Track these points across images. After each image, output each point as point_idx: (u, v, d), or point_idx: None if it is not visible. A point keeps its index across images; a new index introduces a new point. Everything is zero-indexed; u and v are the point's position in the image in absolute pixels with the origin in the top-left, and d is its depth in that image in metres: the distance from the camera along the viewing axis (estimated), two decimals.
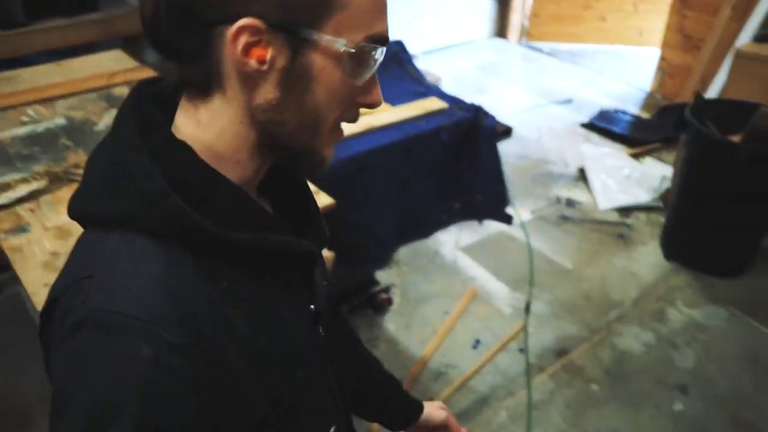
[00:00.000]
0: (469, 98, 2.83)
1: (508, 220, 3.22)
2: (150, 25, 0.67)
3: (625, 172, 4.10)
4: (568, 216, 3.83)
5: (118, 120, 0.71)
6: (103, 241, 0.66)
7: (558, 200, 3.94)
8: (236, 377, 0.66)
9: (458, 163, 2.54)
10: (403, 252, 3.36)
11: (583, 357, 2.84)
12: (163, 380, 0.60)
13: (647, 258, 3.50)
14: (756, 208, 3.24)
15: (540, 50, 6.10)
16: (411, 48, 3.44)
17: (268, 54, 0.65)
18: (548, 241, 3.60)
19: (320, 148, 0.74)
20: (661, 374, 2.80)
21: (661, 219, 3.74)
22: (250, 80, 0.67)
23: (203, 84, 0.69)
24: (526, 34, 6.17)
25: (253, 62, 0.65)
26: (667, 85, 5.01)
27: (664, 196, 3.85)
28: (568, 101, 5.06)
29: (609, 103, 4.99)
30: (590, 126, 4.67)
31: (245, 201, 0.71)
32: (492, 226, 3.61)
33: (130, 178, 0.65)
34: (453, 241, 3.53)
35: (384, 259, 2.78)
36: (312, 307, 0.82)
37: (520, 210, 3.84)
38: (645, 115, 4.80)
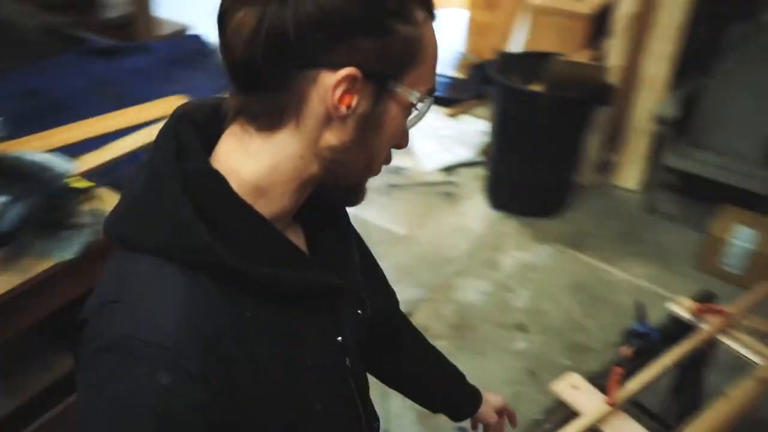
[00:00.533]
0: None
1: None
2: (240, 53, 0.67)
3: (444, 132, 4.28)
4: (396, 183, 3.95)
5: (158, 143, 0.72)
6: (133, 266, 0.68)
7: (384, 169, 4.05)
8: (252, 407, 0.68)
9: None
10: None
11: (427, 317, 2.98)
12: (179, 408, 0.63)
13: (475, 211, 3.70)
14: (562, 149, 3.52)
15: None
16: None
17: (354, 100, 0.69)
18: (380, 211, 3.69)
19: (364, 184, 0.80)
20: (501, 318, 3.00)
21: (484, 172, 3.96)
22: (329, 121, 0.70)
23: (275, 117, 0.70)
24: None
25: (343, 108, 0.68)
26: (476, 43, 5.25)
27: (485, 150, 4.07)
28: None
29: None
30: None
31: (273, 236, 0.73)
32: None
33: (161, 206, 0.67)
34: None
35: None
36: (339, 339, 0.83)
37: None
38: (460, 75, 5.03)
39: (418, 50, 0.70)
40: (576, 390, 1.70)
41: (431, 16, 0.73)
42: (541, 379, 2.70)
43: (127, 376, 0.63)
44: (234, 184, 0.71)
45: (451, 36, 5.58)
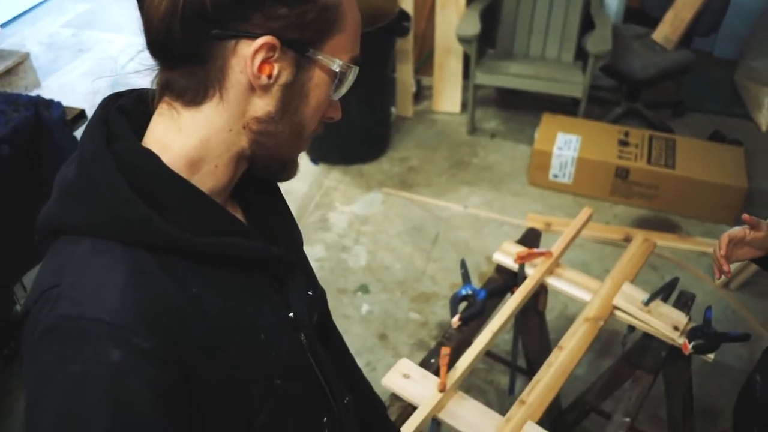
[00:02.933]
0: (69, 61, 2.40)
1: None
2: (158, 28, 0.66)
3: None
4: None
5: (85, 133, 0.72)
6: (72, 250, 0.67)
7: None
8: (208, 385, 0.67)
9: (42, 170, 2.20)
10: None
11: None
12: (133, 387, 0.60)
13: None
14: (371, 87, 3.31)
15: None
16: None
17: (275, 69, 0.69)
18: None
19: (295, 158, 0.79)
20: (341, 283, 2.83)
21: None
22: (252, 92, 0.70)
23: (199, 91, 0.70)
24: None
25: (264, 77, 0.68)
26: None
27: None
28: None
29: None
30: None
31: (211, 207, 0.72)
32: None
33: (96, 187, 0.66)
34: None
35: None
36: (291, 315, 0.82)
37: None
38: None
39: (338, 18, 0.70)
40: (407, 379, 1.55)
41: None
42: (394, 340, 2.57)
43: (76, 357, 0.60)
44: (167, 161, 0.70)
45: None
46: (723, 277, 2.66)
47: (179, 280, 0.68)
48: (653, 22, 3.52)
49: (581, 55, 3.46)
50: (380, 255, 2.96)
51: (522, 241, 1.94)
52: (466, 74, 3.61)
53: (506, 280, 1.85)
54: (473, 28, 3.24)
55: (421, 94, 3.94)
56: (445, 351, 1.56)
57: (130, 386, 0.60)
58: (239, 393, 0.71)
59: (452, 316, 1.72)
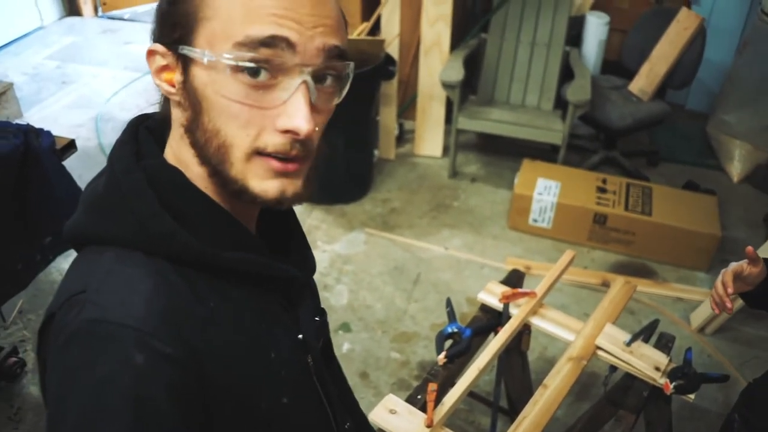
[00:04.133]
0: (52, 93, 2.42)
1: None
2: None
3: None
4: None
5: (115, 149, 0.73)
6: (98, 259, 0.69)
7: None
8: (220, 396, 0.68)
9: (27, 199, 2.20)
10: (26, 300, 2.92)
11: None
12: (156, 391, 0.62)
13: None
14: (355, 129, 3.36)
15: (121, 18, 5.67)
16: None
17: (175, 76, 0.69)
18: None
19: (243, 179, 0.70)
20: None
21: None
22: (174, 103, 0.72)
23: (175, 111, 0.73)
24: (102, 5, 5.67)
25: (164, 85, 0.70)
26: None
27: None
28: None
29: None
30: None
31: (231, 223, 0.73)
32: None
33: (125, 200, 0.69)
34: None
35: None
36: (300, 336, 0.82)
37: None
38: None
39: (200, 6, 0.66)
40: (394, 415, 1.55)
41: None
42: (375, 379, 2.57)
43: (101, 361, 0.62)
44: (190, 177, 0.72)
45: None
46: (700, 321, 2.71)
47: (200, 294, 0.69)
48: (630, 74, 3.64)
49: (560, 103, 3.56)
50: (362, 294, 2.97)
51: (506, 282, 1.97)
52: (448, 119, 3.69)
53: (490, 319, 1.88)
54: (457, 74, 3.32)
55: (404, 137, 4.00)
56: (433, 387, 1.57)
57: (152, 388, 0.62)
58: (248, 407, 0.72)
59: (438, 353, 1.74)
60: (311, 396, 0.86)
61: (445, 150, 3.87)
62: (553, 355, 2.66)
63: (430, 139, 3.88)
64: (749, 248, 1.37)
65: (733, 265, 1.39)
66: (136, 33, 5.36)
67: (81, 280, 0.68)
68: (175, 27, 0.68)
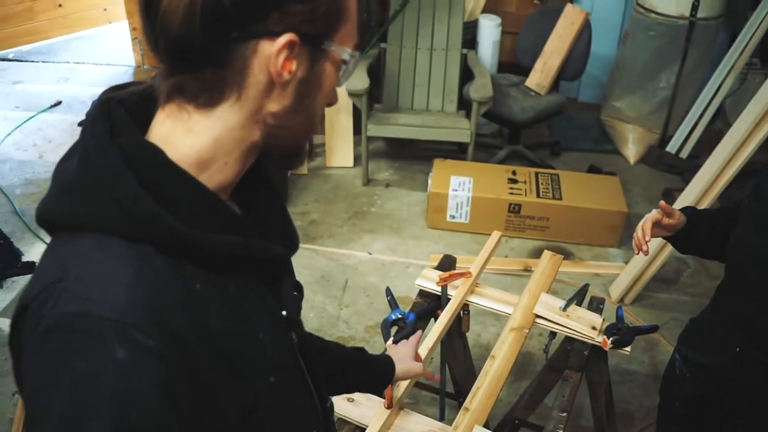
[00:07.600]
0: None
1: (28, 269, 2.89)
2: (176, 32, 0.66)
3: None
4: None
5: (87, 125, 0.70)
6: (75, 245, 0.66)
7: None
8: (210, 381, 0.67)
9: None
10: None
11: None
12: (138, 386, 0.60)
13: None
14: None
15: (5, 59, 5.45)
16: None
17: (294, 65, 0.69)
18: None
19: (305, 145, 0.81)
20: None
21: None
22: (270, 89, 0.71)
23: (214, 94, 0.70)
24: None
25: (285, 74, 0.69)
26: (148, 54, 4.89)
27: None
28: (58, 104, 4.63)
29: (99, 91, 4.66)
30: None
31: (217, 205, 0.72)
32: None
33: (102, 182, 0.65)
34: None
35: None
36: (284, 313, 0.82)
37: None
38: None
39: (343, 8, 0.72)
40: (351, 403, 1.58)
41: None
42: None
43: (81, 355, 0.60)
44: (173, 158, 0.69)
45: (119, 53, 5.19)
46: (619, 292, 2.85)
47: (184, 277, 0.67)
48: (525, 72, 3.82)
49: (463, 104, 3.68)
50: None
51: (439, 267, 2.03)
52: (356, 130, 3.74)
53: (431, 302, 1.92)
54: (362, 82, 3.38)
55: (314, 151, 4.03)
56: None
57: (135, 384, 0.60)
58: (237, 390, 0.71)
59: (385, 340, 1.76)
60: (295, 373, 0.86)
61: (357, 159, 3.92)
62: (487, 341, 2.73)
63: (340, 150, 3.92)
64: (662, 202, 1.48)
65: (653, 213, 1.49)
66: (24, 72, 5.16)
67: (57, 268, 0.65)
68: (317, 23, 0.69)
